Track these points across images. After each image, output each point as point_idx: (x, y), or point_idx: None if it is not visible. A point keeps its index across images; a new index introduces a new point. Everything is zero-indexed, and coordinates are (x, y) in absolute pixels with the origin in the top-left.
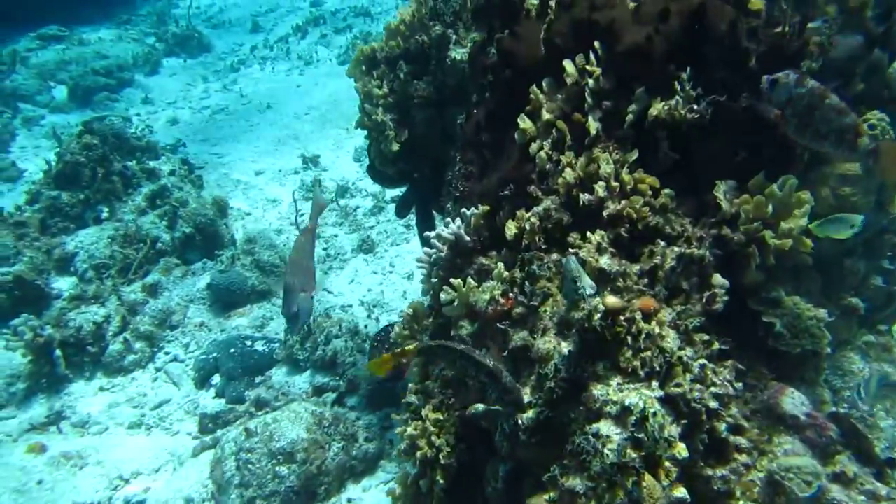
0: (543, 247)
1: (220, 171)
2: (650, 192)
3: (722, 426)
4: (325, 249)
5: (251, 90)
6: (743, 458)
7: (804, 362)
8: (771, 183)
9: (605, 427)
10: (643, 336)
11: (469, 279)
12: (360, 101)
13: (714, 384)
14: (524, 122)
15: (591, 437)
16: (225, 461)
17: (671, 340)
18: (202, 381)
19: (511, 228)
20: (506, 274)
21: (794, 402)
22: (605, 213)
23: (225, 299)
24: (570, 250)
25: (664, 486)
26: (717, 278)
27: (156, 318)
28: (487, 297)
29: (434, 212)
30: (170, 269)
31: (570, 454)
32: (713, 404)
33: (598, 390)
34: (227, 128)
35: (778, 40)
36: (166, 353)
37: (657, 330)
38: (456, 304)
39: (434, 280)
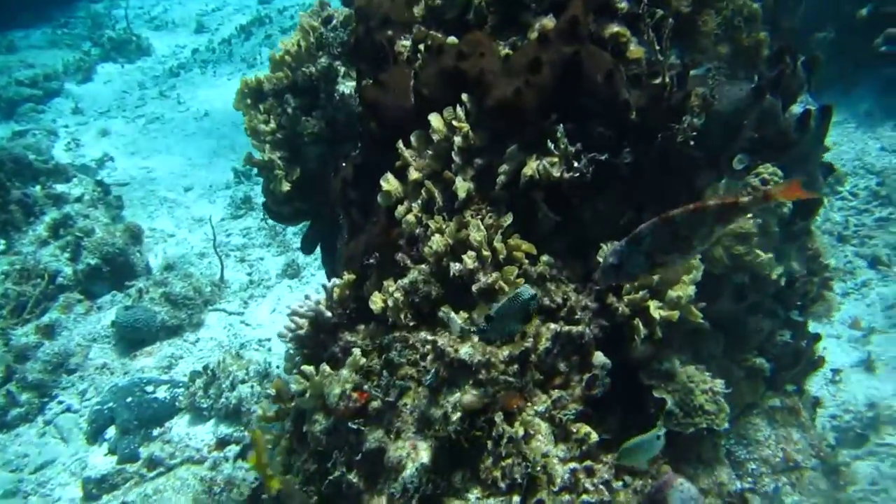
0: (411, 324)
1: (146, 188)
2: (527, 260)
3: None
4: (248, 275)
5: (189, 96)
6: None
7: (700, 441)
8: None
9: None
10: (505, 441)
11: (323, 367)
12: (248, 136)
13: (586, 490)
14: (388, 183)
15: None
16: None
17: (539, 441)
18: (95, 435)
19: (377, 302)
20: (362, 361)
21: (682, 496)
22: (474, 288)
23: (131, 337)
24: (428, 338)
25: None
26: (598, 357)
27: (49, 364)
28: (338, 391)
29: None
30: (71, 305)
31: None
32: None
33: None
34: (160, 139)
35: (658, 92)
36: (59, 403)
37: (520, 432)
38: (308, 395)
39: (297, 359)
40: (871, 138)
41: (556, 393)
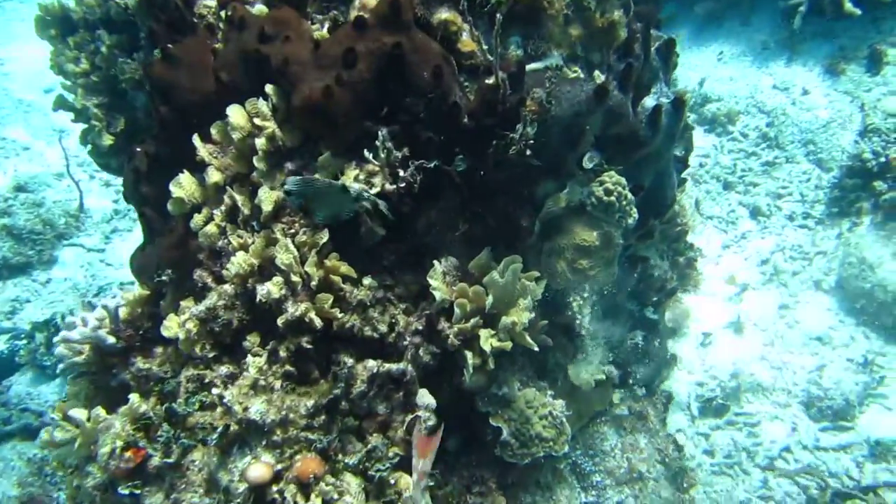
0: (210, 356)
1: None
2: (347, 284)
3: None
4: (115, 202)
5: None
6: None
7: (538, 467)
8: (497, 262)
9: None
10: None
11: (96, 412)
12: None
13: None
14: (180, 188)
15: None
16: None
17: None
18: None
19: (171, 328)
20: (142, 408)
21: None
22: (280, 322)
23: None
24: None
25: None
26: (423, 397)
27: None
28: (107, 449)
29: None
30: None
31: None
32: None
33: None
34: (18, 21)
35: (491, 95)
36: None
37: None
38: (77, 444)
39: (75, 388)
40: (765, 74)
41: (373, 440)
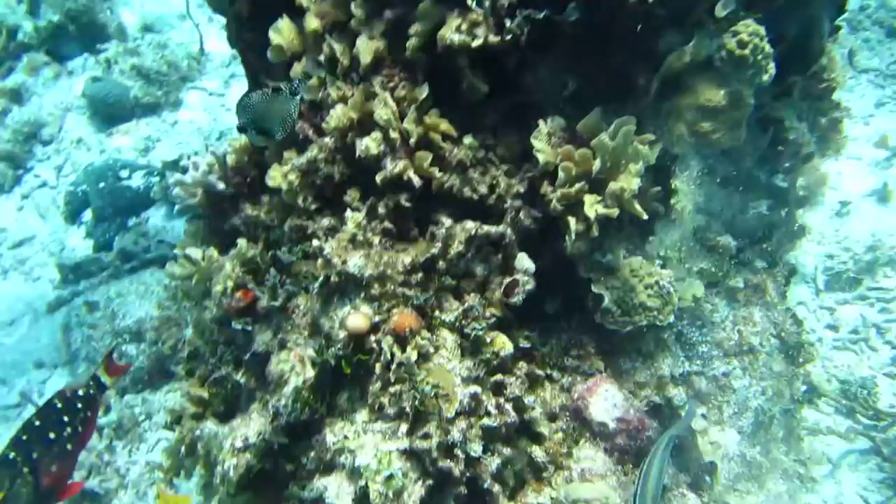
0: (313, 208)
1: None
2: (447, 143)
3: (486, 474)
4: None
5: None
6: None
7: (640, 336)
8: (608, 124)
9: (332, 486)
10: (395, 366)
11: (210, 252)
12: None
13: (488, 413)
14: (279, 35)
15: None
16: (72, 331)
17: (442, 358)
18: (72, 216)
19: (275, 178)
20: (250, 253)
21: (605, 404)
22: (379, 179)
23: (105, 112)
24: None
25: None
26: (521, 261)
27: (20, 133)
28: (220, 288)
29: None
30: (37, 67)
31: None
32: (475, 449)
33: (332, 435)
34: None
35: None
36: (35, 176)
37: (413, 357)
38: (195, 280)
39: (192, 228)
40: None
41: (470, 299)
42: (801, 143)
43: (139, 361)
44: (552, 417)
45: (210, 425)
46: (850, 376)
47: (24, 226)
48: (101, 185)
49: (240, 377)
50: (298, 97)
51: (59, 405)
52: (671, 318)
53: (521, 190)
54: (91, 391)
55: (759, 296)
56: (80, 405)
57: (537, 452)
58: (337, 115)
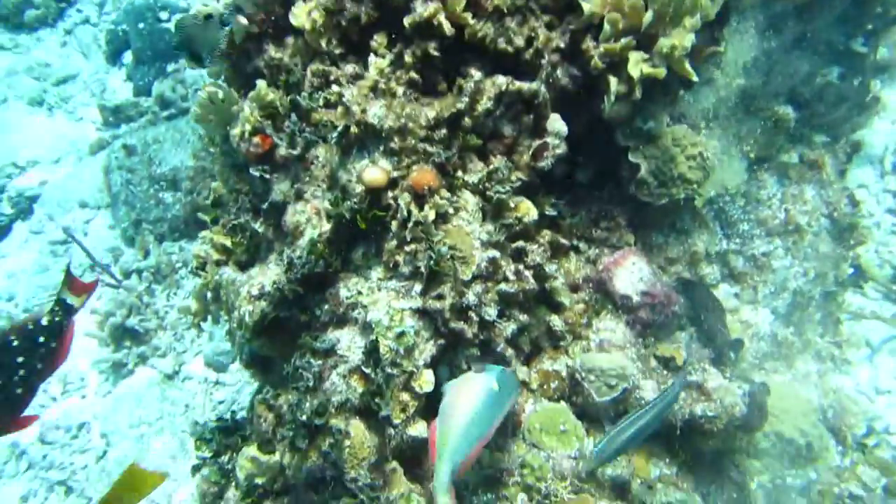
0: (337, 52)
1: None
2: None
3: (501, 339)
4: None
5: None
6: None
7: (676, 210)
8: None
9: (345, 338)
10: (412, 224)
11: (231, 92)
12: None
13: (506, 279)
14: None
15: (315, 357)
16: (112, 173)
17: (462, 220)
18: (113, 57)
19: (299, 17)
20: (269, 97)
21: (630, 277)
22: (407, 22)
23: None
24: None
25: (396, 425)
26: (553, 123)
27: None
28: (238, 131)
29: None
30: None
31: (294, 373)
32: (490, 313)
33: (346, 289)
34: None
35: None
36: (78, 11)
37: (431, 216)
38: (214, 122)
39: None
40: None
41: (496, 161)
42: (893, 3)
43: (175, 210)
44: (575, 288)
45: (229, 271)
46: None
47: (67, 63)
48: (141, 25)
49: (258, 226)
50: (228, 27)
51: (16, 342)
52: (711, 193)
53: (562, 45)
54: (56, 318)
55: (815, 173)
56: (42, 338)
57: (556, 321)
58: None
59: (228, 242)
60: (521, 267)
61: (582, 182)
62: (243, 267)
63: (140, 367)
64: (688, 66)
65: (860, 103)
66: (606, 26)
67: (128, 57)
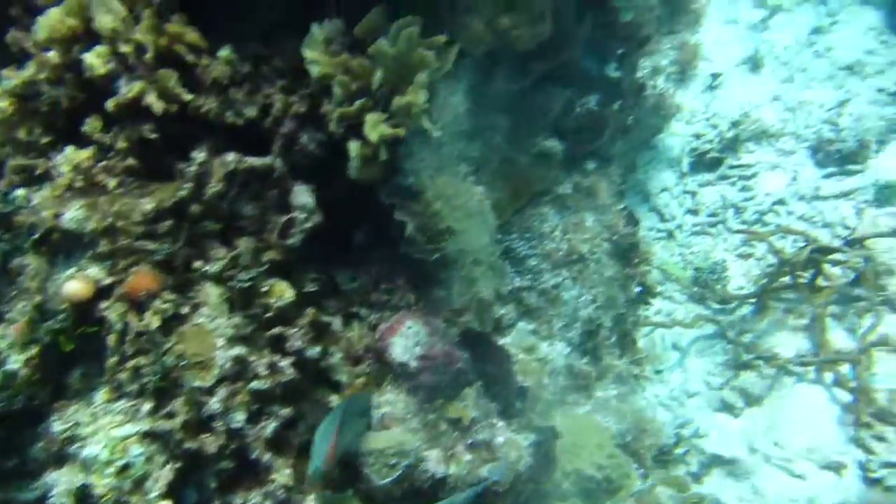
0: (43, 141)
1: None
2: (197, 57)
3: (259, 442)
4: None
5: None
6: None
7: (458, 259)
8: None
9: (62, 483)
10: (132, 336)
11: None
12: None
13: (257, 375)
14: None
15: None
16: None
17: (203, 317)
18: None
19: None
20: None
21: (406, 343)
22: (111, 105)
23: None
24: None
25: None
26: (298, 196)
27: None
28: None
29: None
30: None
31: None
32: (239, 418)
33: (61, 422)
34: None
35: None
36: None
37: (154, 323)
38: None
39: None
40: None
41: (241, 244)
42: (640, 24)
43: None
44: (357, 360)
45: None
46: (704, 262)
47: None
48: None
49: None
50: None
51: None
52: (486, 239)
53: (303, 109)
54: None
55: (591, 199)
56: None
57: (336, 402)
58: (49, 23)
59: None
60: (276, 358)
61: (361, 244)
62: None
63: None
64: (426, 121)
65: (622, 126)
66: (337, 90)
67: None
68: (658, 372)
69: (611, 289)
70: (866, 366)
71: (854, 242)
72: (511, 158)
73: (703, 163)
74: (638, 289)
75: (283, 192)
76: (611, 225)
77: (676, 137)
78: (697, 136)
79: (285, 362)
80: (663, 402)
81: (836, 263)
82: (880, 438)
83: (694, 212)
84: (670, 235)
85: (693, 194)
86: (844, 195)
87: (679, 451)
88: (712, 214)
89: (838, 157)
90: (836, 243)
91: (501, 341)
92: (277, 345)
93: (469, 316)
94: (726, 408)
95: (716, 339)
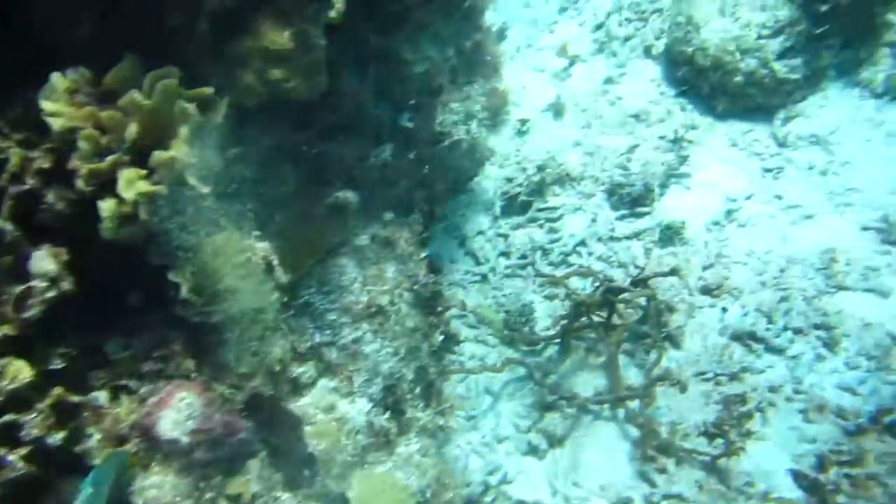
0: None
1: None
2: None
3: None
4: None
5: None
6: None
7: (243, 320)
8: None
9: None
10: None
11: None
12: None
13: None
14: None
15: None
16: None
17: None
18: None
19: None
20: None
21: (177, 416)
22: None
23: None
24: None
25: None
26: (38, 263)
27: None
28: None
29: None
30: None
31: None
32: None
33: None
34: None
35: None
36: None
37: None
38: None
39: None
40: None
41: None
42: (433, 75)
43: None
44: (121, 441)
45: None
46: (515, 304)
47: None
48: None
49: None
50: None
51: None
52: (273, 297)
53: (47, 165)
54: None
55: (390, 249)
56: None
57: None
58: None
59: None
60: (4, 451)
61: (136, 308)
62: None
63: None
64: (192, 177)
65: (418, 176)
66: (83, 144)
67: None
68: (471, 418)
69: (413, 339)
70: (649, 401)
71: (639, 282)
72: (304, 211)
73: (514, 206)
74: (442, 337)
75: (18, 259)
76: (412, 274)
77: (490, 181)
78: (509, 180)
79: (20, 452)
80: (476, 449)
81: (625, 303)
82: (662, 471)
83: (506, 254)
84: (484, 279)
85: (505, 237)
86: (636, 235)
87: (487, 499)
88: (522, 256)
89: (629, 199)
90: (626, 283)
91: (300, 402)
92: (8, 434)
93: (259, 380)
94: (532, 451)
95: (526, 381)
